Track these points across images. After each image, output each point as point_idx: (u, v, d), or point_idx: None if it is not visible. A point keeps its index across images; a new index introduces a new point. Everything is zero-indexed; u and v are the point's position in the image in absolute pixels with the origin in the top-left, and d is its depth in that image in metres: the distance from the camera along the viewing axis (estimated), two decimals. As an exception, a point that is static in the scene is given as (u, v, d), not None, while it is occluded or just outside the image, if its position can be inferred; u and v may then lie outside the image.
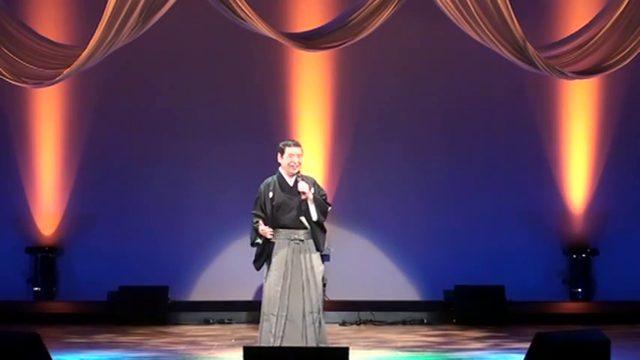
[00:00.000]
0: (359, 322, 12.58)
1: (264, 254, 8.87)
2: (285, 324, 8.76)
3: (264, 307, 8.86)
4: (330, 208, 8.97)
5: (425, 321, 12.66)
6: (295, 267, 8.84)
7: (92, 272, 13.14)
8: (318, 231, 8.89)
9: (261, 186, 8.97)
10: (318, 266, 8.95)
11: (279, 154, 8.98)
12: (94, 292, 12.80)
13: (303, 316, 8.77)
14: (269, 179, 8.98)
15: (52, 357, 7.45)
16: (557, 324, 11.85)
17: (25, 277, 13.22)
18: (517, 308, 12.58)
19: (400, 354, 10.22)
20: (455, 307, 12.66)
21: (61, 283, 13.31)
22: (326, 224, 9.16)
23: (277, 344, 8.68)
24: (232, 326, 12.42)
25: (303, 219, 8.85)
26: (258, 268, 8.96)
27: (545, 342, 7.16)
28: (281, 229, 8.89)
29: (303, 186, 8.81)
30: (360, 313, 12.69)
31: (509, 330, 11.84)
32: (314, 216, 8.82)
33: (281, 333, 8.75)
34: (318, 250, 8.92)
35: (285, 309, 8.78)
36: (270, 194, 8.87)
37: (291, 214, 8.86)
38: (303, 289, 8.81)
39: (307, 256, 8.88)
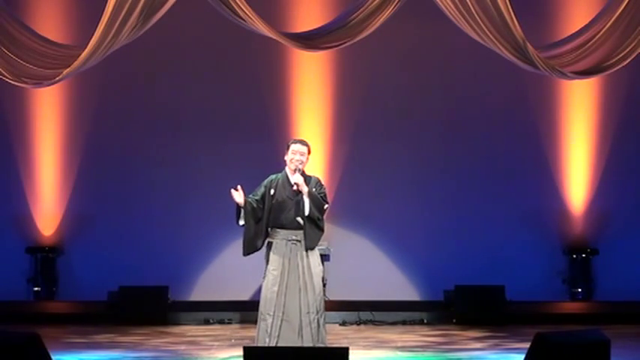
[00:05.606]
0: (359, 322, 12.58)
1: (239, 212, 8.89)
2: (281, 324, 8.78)
3: (261, 307, 8.89)
4: (327, 205, 8.97)
5: (425, 321, 12.66)
6: (292, 268, 8.86)
7: (92, 272, 13.14)
8: (310, 227, 8.87)
9: (266, 180, 9.03)
10: (317, 267, 8.96)
11: (285, 151, 9.04)
12: (94, 292, 12.79)
13: (300, 316, 8.79)
14: (273, 176, 9.04)
15: (52, 357, 7.45)
16: (557, 324, 11.84)
17: (25, 277, 13.22)
18: (517, 308, 12.57)
19: (400, 354, 10.23)
20: (455, 307, 12.65)
21: (61, 283, 13.30)
22: (326, 224, 9.18)
23: (273, 344, 8.70)
24: (232, 326, 12.42)
25: (299, 219, 8.86)
26: (237, 223, 8.98)
27: (545, 342, 7.17)
28: (279, 229, 8.92)
29: (297, 178, 8.85)
30: (360, 313, 12.69)
31: (509, 330, 11.84)
32: (306, 210, 8.83)
33: (277, 333, 8.77)
34: (307, 247, 8.89)
35: (282, 309, 8.80)
36: (272, 191, 8.92)
37: (289, 215, 8.88)
38: (300, 290, 8.83)
39: (305, 257, 8.89)
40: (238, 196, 8.81)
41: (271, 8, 12.41)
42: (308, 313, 8.80)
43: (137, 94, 13.33)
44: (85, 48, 9.99)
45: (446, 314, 12.74)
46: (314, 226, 8.89)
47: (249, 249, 8.99)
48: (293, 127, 13.24)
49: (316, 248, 9.00)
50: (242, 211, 8.87)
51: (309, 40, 10.60)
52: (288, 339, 8.75)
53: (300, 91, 13.35)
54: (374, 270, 13.23)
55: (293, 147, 9.00)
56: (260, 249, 9.03)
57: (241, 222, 8.93)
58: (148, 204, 13.28)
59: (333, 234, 12.76)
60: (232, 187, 8.85)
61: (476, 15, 10.03)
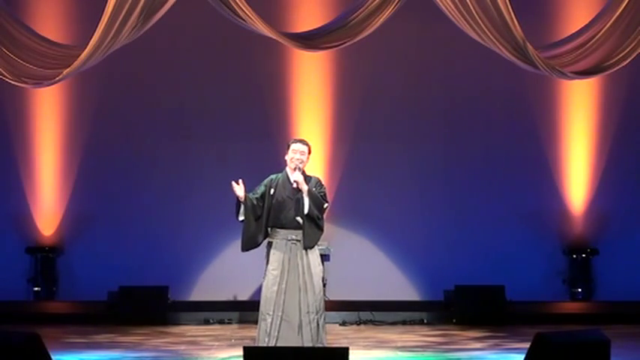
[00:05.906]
0: (359, 322, 12.58)
1: (239, 207, 8.87)
2: (280, 324, 8.78)
3: (262, 307, 8.90)
4: (326, 205, 8.96)
5: (425, 321, 12.66)
6: (292, 267, 8.86)
7: (92, 272, 13.14)
8: (309, 226, 8.85)
9: (266, 180, 9.03)
10: (317, 266, 8.95)
11: (286, 151, 9.05)
12: (94, 292, 12.79)
13: (300, 316, 8.78)
14: (274, 176, 9.04)
15: (52, 357, 7.45)
16: (557, 324, 11.84)
17: (25, 277, 13.23)
18: (517, 308, 12.57)
19: (400, 354, 10.22)
20: (455, 307, 12.65)
21: (61, 283, 13.31)
22: (326, 224, 9.18)
23: (272, 344, 8.70)
24: (232, 326, 12.42)
25: (299, 219, 8.86)
26: (237, 218, 8.96)
27: (545, 342, 7.16)
28: (279, 229, 8.92)
29: (297, 176, 8.85)
30: (360, 313, 12.68)
31: (509, 330, 11.84)
32: (306, 209, 8.82)
33: (276, 333, 8.77)
34: (306, 246, 8.88)
35: (281, 309, 8.79)
36: (272, 190, 8.92)
37: (289, 214, 8.88)
38: (299, 290, 8.83)
39: (304, 257, 8.88)
40: (239, 189, 8.82)
41: (271, 8, 12.41)
42: (308, 312, 8.80)
43: (137, 94, 13.34)
44: (85, 48, 10.00)
45: (446, 314, 12.74)
46: (313, 225, 8.89)
47: (248, 245, 9.00)
48: (293, 127, 13.24)
49: (316, 248, 9.00)
50: (242, 206, 8.87)
51: (309, 40, 10.60)
52: (288, 339, 8.75)
53: (300, 91, 13.35)
54: (374, 270, 13.23)
55: (293, 146, 9.00)
56: (259, 245, 9.03)
57: (241, 217, 8.93)
58: (147, 204, 13.29)
59: (333, 234, 12.77)
60: (233, 180, 8.85)
61: (476, 15, 10.03)
